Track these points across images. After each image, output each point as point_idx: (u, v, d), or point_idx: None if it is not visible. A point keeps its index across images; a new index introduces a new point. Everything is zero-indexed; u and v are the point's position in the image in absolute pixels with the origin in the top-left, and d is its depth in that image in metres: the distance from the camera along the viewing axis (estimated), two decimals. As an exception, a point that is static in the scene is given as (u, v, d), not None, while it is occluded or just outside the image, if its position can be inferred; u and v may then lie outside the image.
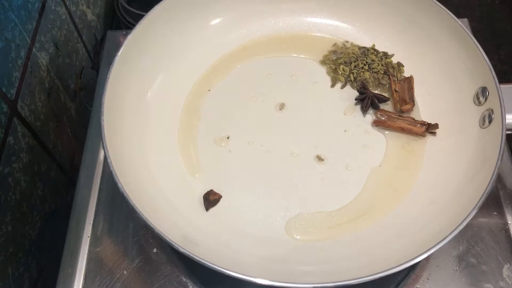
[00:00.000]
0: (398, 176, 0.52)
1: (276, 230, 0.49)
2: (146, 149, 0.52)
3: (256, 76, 0.60)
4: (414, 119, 0.54)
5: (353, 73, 0.59)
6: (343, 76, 0.59)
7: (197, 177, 0.52)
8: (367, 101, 0.56)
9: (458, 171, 0.49)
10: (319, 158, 0.53)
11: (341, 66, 0.59)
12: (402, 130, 0.54)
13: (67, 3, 0.63)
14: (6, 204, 0.47)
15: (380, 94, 0.57)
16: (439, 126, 0.53)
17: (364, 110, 0.56)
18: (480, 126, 0.50)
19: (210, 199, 0.50)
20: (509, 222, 0.51)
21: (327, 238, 0.48)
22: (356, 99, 0.57)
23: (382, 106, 0.57)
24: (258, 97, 0.58)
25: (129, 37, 0.53)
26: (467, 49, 0.52)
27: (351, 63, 0.59)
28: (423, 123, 0.54)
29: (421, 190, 0.51)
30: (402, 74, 0.59)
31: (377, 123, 0.55)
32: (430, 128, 0.53)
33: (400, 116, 0.55)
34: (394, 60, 0.60)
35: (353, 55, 0.60)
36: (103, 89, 0.49)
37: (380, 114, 0.55)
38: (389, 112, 0.56)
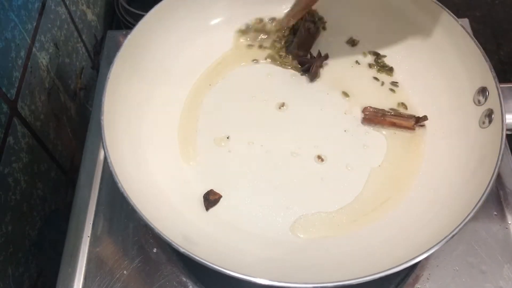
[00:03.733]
0: (398, 176, 0.52)
1: (276, 230, 0.49)
2: (146, 149, 0.52)
3: (256, 76, 0.60)
4: (401, 113, 0.55)
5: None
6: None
7: (197, 177, 0.52)
8: (314, 68, 0.58)
9: (458, 171, 0.49)
10: (319, 158, 0.53)
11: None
12: (394, 125, 0.54)
13: (67, 3, 0.63)
14: (6, 204, 0.47)
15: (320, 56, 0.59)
16: (438, 124, 0.53)
17: (313, 77, 0.59)
18: (480, 126, 0.50)
19: (210, 199, 0.50)
20: (509, 222, 0.52)
21: (326, 238, 0.48)
22: (302, 71, 0.60)
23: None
24: (258, 97, 0.58)
25: (129, 37, 0.53)
26: (467, 49, 0.52)
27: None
28: (411, 117, 0.54)
29: (421, 190, 0.51)
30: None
31: (367, 121, 0.55)
32: (419, 121, 0.53)
33: (388, 111, 0.55)
34: (394, 61, 0.60)
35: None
36: (103, 89, 0.49)
37: (368, 112, 0.55)
38: (376, 108, 0.56)
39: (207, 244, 0.46)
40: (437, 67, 0.57)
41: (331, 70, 0.61)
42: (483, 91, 0.50)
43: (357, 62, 0.61)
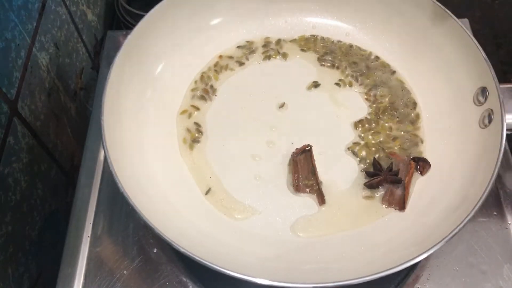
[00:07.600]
0: (398, 176, 0.52)
1: (276, 230, 0.49)
2: (146, 149, 0.52)
3: (256, 76, 0.60)
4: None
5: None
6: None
7: (197, 176, 0.52)
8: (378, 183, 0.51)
9: (458, 171, 0.49)
10: (320, 157, 0.53)
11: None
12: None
13: (67, 3, 0.63)
14: (6, 204, 0.47)
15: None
16: (438, 124, 0.53)
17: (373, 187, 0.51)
18: (480, 126, 0.50)
19: None
20: (509, 222, 0.52)
21: (327, 237, 0.48)
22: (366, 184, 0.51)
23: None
24: (258, 97, 0.58)
25: (129, 37, 0.53)
26: (467, 49, 0.52)
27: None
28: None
29: (421, 190, 0.51)
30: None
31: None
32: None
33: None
34: (394, 62, 0.60)
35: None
36: (103, 89, 0.49)
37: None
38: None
39: (207, 244, 0.46)
40: (437, 67, 0.57)
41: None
42: (483, 91, 0.50)
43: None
